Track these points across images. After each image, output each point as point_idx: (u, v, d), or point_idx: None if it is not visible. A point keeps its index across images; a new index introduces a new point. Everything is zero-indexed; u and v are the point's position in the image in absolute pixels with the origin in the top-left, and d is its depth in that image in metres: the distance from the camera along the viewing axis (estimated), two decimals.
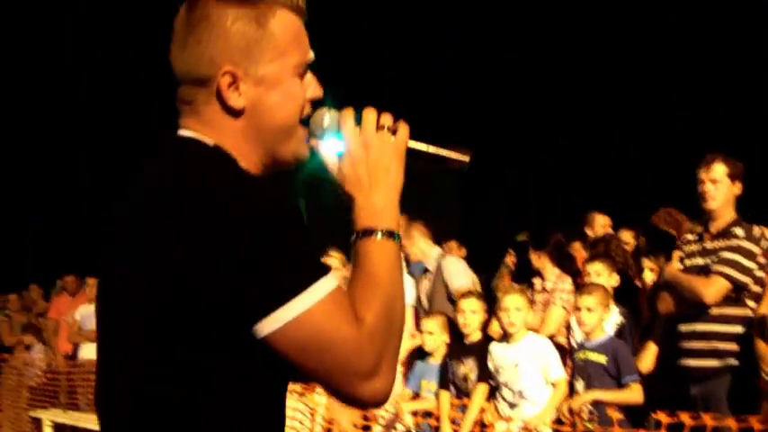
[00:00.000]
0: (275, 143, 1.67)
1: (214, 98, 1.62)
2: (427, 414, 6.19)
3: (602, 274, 6.09)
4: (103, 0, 27.79)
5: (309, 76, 1.71)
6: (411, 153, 1.71)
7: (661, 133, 14.12)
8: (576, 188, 14.17)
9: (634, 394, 5.28)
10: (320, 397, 6.34)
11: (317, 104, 1.71)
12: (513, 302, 5.78)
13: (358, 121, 1.69)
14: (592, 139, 14.87)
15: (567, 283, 6.75)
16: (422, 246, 7.35)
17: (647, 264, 6.30)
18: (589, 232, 8.08)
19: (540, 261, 6.99)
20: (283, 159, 1.69)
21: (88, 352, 9.90)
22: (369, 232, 1.61)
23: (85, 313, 10.13)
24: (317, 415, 6.37)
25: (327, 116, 1.71)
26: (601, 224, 8.15)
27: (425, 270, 7.37)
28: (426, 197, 7.07)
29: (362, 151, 1.66)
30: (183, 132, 1.64)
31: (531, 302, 6.30)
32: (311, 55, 1.70)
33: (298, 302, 1.42)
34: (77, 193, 22.35)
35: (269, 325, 1.43)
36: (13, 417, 10.51)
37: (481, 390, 5.87)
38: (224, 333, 1.44)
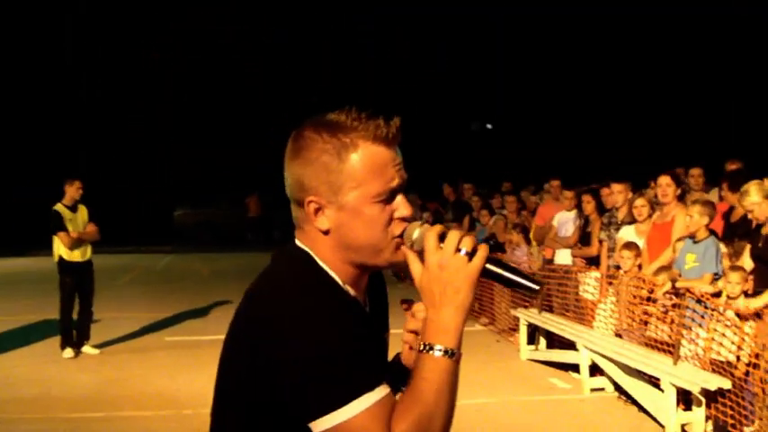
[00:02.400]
0: (362, 257, 1.90)
1: (310, 218, 1.91)
2: None
3: None
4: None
5: (399, 199, 1.90)
6: (486, 274, 1.83)
7: None
8: None
9: None
10: (750, 329, 6.54)
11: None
12: None
13: (443, 238, 1.84)
14: None
15: None
16: None
17: None
18: None
19: None
20: (375, 266, 1.94)
21: (563, 258, 10.52)
22: (429, 347, 1.78)
23: (562, 219, 10.71)
24: (745, 345, 6.54)
25: (417, 231, 1.88)
26: None
27: None
28: None
29: (438, 270, 1.80)
30: (295, 241, 1.96)
31: None
32: (396, 182, 1.88)
33: (343, 411, 1.69)
34: None
35: (320, 425, 1.71)
36: (502, 311, 11.65)
37: None
38: (288, 421, 1.77)
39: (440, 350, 1.77)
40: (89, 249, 10.48)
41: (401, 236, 1.90)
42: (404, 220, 1.91)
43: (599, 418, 7.67)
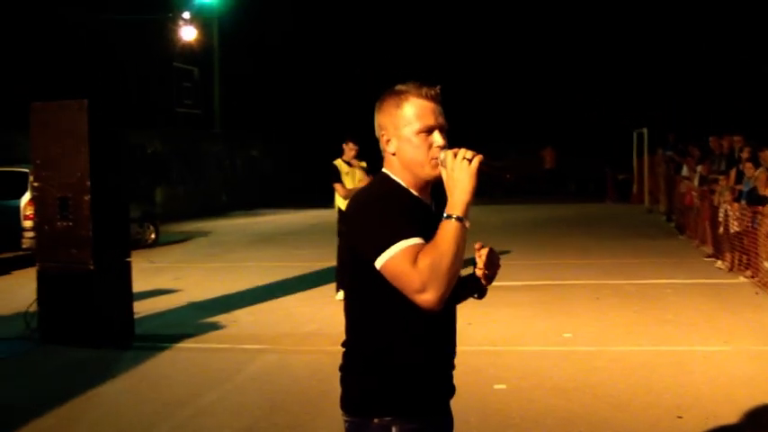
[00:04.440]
0: (414, 171, 2.92)
1: (384, 146, 2.98)
2: None
3: None
4: None
5: (436, 133, 2.90)
6: (480, 172, 2.78)
7: None
8: None
9: None
10: None
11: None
12: None
13: (456, 155, 2.82)
14: None
15: None
16: None
17: None
18: None
19: None
20: (424, 178, 2.93)
21: None
22: (447, 216, 2.74)
23: None
24: None
25: (443, 153, 2.86)
26: None
27: None
28: None
29: (451, 172, 2.79)
30: (383, 168, 3.01)
31: None
32: (433, 123, 2.90)
33: (387, 253, 2.69)
34: None
35: (378, 263, 2.72)
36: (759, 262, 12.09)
37: None
38: (367, 267, 2.76)
39: (452, 217, 2.73)
40: None
41: (437, 158, 2.89)
42: (440, 147, 2.89)
43: None
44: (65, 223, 8.91)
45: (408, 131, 2.89)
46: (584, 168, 32.64)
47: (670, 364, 8.03)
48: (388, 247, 2.69)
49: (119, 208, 9.28)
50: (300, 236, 21.05)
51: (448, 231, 2.70)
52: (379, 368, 2.85)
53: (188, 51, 31.33)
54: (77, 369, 8.20)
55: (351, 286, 3.00)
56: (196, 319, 10.45)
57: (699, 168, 16.49)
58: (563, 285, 12.52)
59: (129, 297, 9.33)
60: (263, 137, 33.85)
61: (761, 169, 12.39)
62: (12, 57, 23.42)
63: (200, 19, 31.26)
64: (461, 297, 3.16)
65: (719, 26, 33.25)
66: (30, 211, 12.67)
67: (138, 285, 10.95)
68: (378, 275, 2.74)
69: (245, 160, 32.70)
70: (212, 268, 15.53)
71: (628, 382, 7.45)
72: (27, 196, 14.46)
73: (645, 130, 27.46)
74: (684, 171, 18.77)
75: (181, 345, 9.11)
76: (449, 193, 2.79)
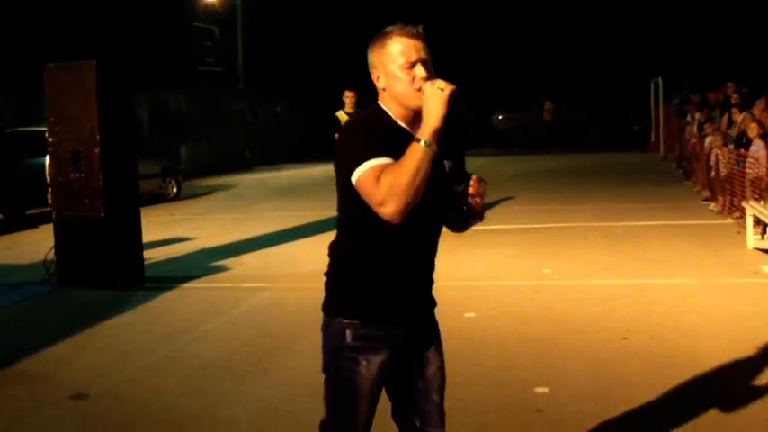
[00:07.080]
0: (401, 101, 3.12)
1: (375, 82, 3.19)
2: None
3: None
4: None
5: (418, 66, 3.09)
6: (450, 102, 2.95)
7: None
8: None
9: None
10: None
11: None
12: None
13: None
14: None
15: None
16: None
17: None
18: None
19: None
20: (410, 107, 3.11)
21: None
22: (416, 139, 2.95)
23: None
24: None
25: (425, 85, 3.03)
26: None
27: None
28: None
29: (426, 101, 2.98)
30: (377, 100, 3.22)
31: None
32: (414, 57, 3.08)
33: (359, 170, 2.93)
34: None
35: (353, 178, 2.96)
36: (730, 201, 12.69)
37: None
38: (347, 182, 3.01)
39: (419, 140, 2.94)
40: None
41: (420, 89, 3.09)
42: (423, 79, 3.08)
43: None
44: (77, 175, 9.68)
45: (394, 67, 3.11)
46: (604, 119, 33.13)
47: (633, 294, 8.65)
48: (359, 164, 2.95)
49: (128, 160, 10.01)
50: (321, 187, 21.41)
51: (412, 153, 2.93)
52: (343, 275, 3.25)
53: (210, 11, 31.99)
54: (90, 307, 9.01)
55: (339, 200, 3.24)
56: (205, 262, 11.24)
57: (697, 115, 16.93)
58: (555, 228, 13.15)
59: (138, 242, 10.06)
60: (287, 93, 34.46)
61: (744, 114, 12.83)
62: (37, 20, 24.17)
63: None
64: (465, 223, 3.37)
65: None
66: None
67: (156, 235, 11.81)
68: (354, 191, 3.02)
69: (269, 116, 33.39)
70: (230, 219, 16.29)
71: (589, 310, 8.08)
72: None
73: (660, 80, 27.83)
74: (688, 118, 19.21)
75: (187, 285, 9.89)
76: (422, 120, 3.00)
